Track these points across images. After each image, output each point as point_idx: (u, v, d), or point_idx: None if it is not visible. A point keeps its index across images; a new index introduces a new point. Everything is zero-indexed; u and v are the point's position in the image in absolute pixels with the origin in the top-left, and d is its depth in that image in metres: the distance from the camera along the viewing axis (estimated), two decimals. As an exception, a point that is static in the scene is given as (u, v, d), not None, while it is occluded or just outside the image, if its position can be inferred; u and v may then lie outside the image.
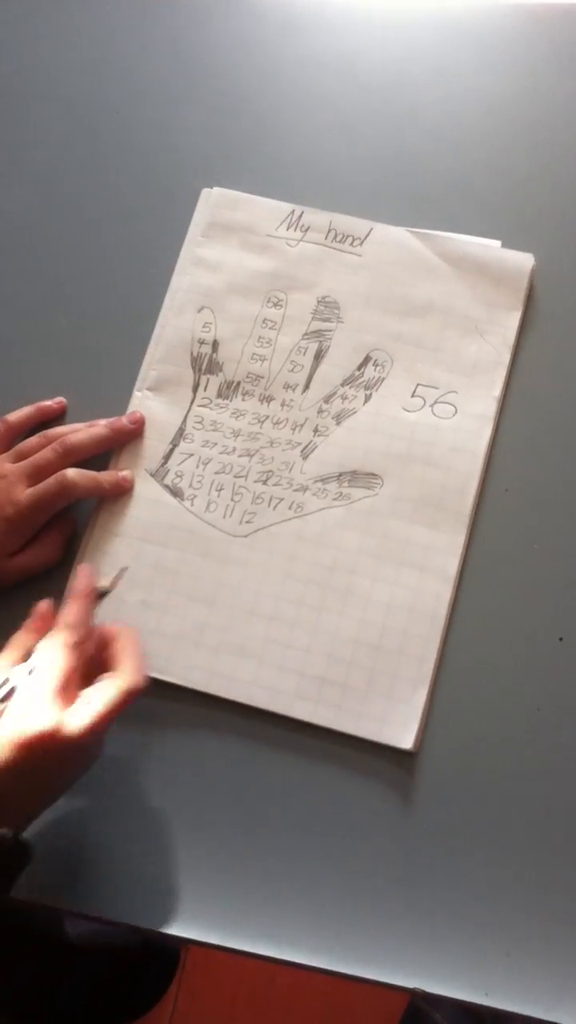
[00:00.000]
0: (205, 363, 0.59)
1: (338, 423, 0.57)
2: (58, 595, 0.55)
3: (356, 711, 0.52)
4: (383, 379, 0.58)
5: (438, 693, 0.52)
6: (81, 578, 0.50)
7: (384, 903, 0.50)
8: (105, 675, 0.45)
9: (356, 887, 0.50)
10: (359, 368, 0.58)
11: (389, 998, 1.06)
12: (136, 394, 0.59)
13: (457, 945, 0.49)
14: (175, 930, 0.49)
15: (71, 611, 0.47)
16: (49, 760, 0.42)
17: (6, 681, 0.44)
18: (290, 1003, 1.12)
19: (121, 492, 0.57)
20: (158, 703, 0.53)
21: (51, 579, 0.56)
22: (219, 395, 0.59)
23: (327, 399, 0.58)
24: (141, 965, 1.01)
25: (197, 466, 0.57)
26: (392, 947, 0.49)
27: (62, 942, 0.92)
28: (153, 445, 0.58)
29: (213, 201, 0.62)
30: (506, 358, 0.57)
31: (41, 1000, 0.95)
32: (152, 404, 0.59)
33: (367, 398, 0.58)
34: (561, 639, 0.53)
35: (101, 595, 0.53)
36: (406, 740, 0.51)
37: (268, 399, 0.58)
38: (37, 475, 0.55)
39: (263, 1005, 1.12)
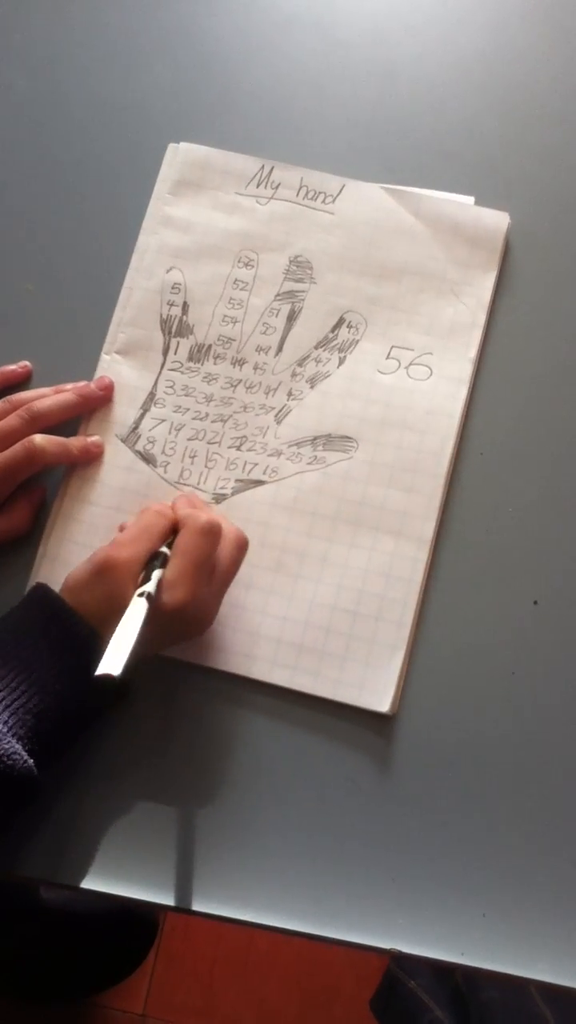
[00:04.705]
0: (175, 326, 0.58)
1: (312, 387, 0.56)
2: (28, 565, 0.54)
3: (334, 677, 0.52)
4: (357, 341, 0.57)
5: (415, 658, 0.52)
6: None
7: (361, 866, 0.50)
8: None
9: (334, 851, 0.50)
10: (333, 330, 0.57)
11: (367, 960, 1.08)
12: (104, 357, 0.57)
13: (434, 907, 0.49)
14: (152, 897, 0.49)
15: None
16: (188, 622, 0.49)
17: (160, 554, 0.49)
18: (268, 967, 1.13)
19: (91, 458, 0.55)
20: (136, 670, 0.52)
21: (21, 549, 0.55)
22: (190, 358, 0.57)
23: (300, 362, 0.57)
24: (119, 930, 1.02)
25: (169, 432, 0.56)
26: (370, 910, 0.49)
27: (38, 908, 0.92)
28: (123, 410, 0.56)
29: (180, 157, 0.60)
30: (481, 319, 0.57)
31: (17, 967, 0.96)
32: (121, 368, 0.57)
33: (341, 361, 0.57)
34: (536, 603, 0.53)
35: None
36: (383, 704, 0.51)
37: (240, 362, 0.57)
38: (2, 442, 0.53)
39: (241, 969, 1.13)
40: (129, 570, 0.47)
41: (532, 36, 0.63)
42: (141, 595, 0.45)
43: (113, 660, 0.42)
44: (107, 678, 0.42)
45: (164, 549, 0.48)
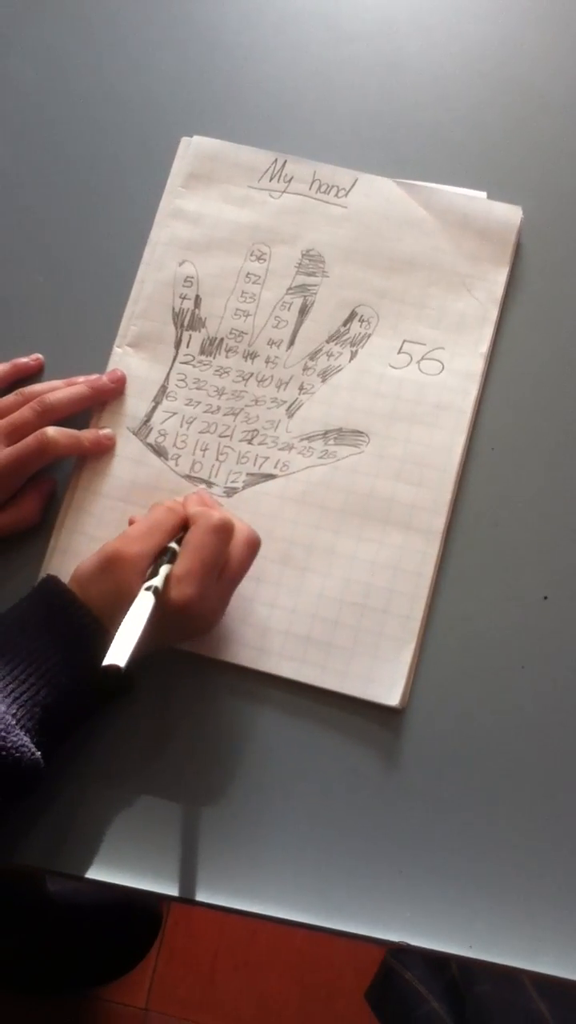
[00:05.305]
0: (187, 319, 0.58)
1: (323, 380, 0.56)
2: (38, 557, 0.54)
3: (342, 670, 0.52)
4: (369, 335, 0.57)
5: (424, 651, 0.52)
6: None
7: (369, 859, 0.50)
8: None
9: (341, 844, 0.50)
10: (344, 324, 0.57)
11: (368, 955, 1.08)
12: (116, 350, 0.58)
13: (440, 900, 0.49)
14: (158, 888, 0.49)
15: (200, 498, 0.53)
16: (193, 619, 0.48)
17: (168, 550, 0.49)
18: (270, 961, 1.13)
19: (102, 451, 0.55)
20: (137, 664, 0.52)
21: (31, 540, 0.55)
22: (202, 352, 0.57)
23: (312, 356, 0.57)
24: (123, 925, 1.02)
25: (181, 425, 0.56)
26: (376, 902, 0.49)
27: (41, 902, 0.93)
28: (134, 403, 0.57)
29: (193, 150, 0.61)
30: (493, 314, 0.57)
31: (21, 961, 0.96)
32: (133, 361, 0.57)
33: (353, 355, 0.57)
34: (546, 597, 0.53)
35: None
36: (392, 697, 0.51)
37: (252, 356, 0.57)
38: (15, 434, 0.54)
39: (243, 963, 1.13)
40: (137, 565, 0.47)
41: (541, 28, 0.63)
42: (148, 589, 0.46)
43: (119, 651, 0.43)
44: (112, 669, 0.42)
45: (173, 545, 0.48)
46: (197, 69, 0.63)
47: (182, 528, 0.49)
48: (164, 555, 0.48)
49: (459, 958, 0.49)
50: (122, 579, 0.47)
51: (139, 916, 1.04)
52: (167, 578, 0.47)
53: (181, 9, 0.65)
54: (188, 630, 0.50)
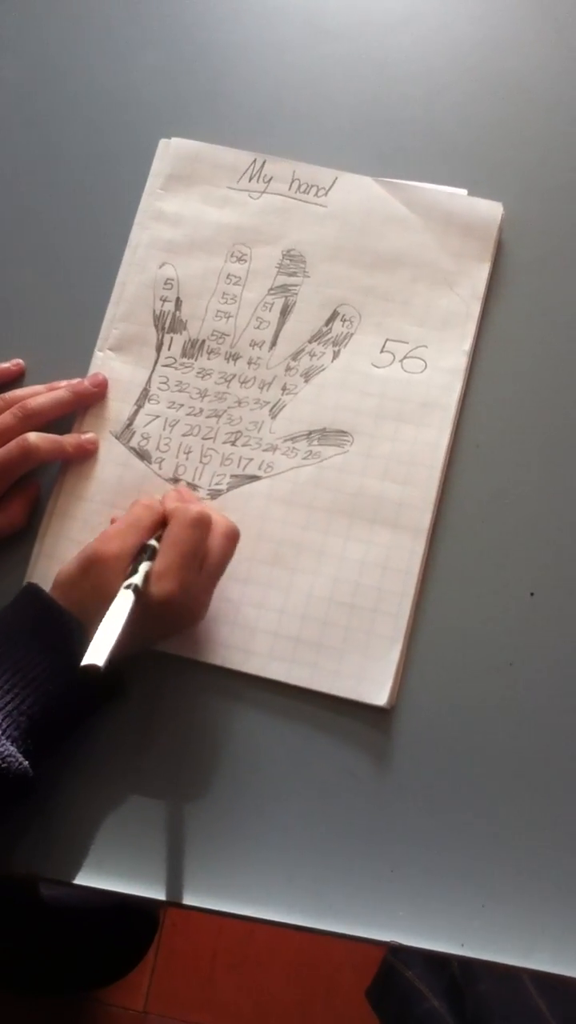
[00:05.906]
0: (168, 321, 0.58)
1: (307, 380, 0.56)
2: (23, 562, 0.54)
3: (331, 670, 0.52)
4: (351, 334, 0.57)
5: (412, 650, 0.52)
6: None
7: (360, 860, 0.50)
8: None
9: (333, 844, 0.50)
10: (327, 324, 0.57)
11: (366, 952, 1.08)
12: (97, 354, 0.57)
13: (433, 899, 0.49)
14: (150, 893, 0.49)
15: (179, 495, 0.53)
16: (178, 614, 0.48)
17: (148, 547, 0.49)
18: (268, 960, 1.14)
19: (85, 455, 0.55)
20: (129, 666, 0.52)
21: (16, 545, 0.54)
22: (184, 354, 0.57)
23: (295, 356, 0.57)
24: (120, 927, 1.02)
25: (164, 428, 0.56)
26: (369, 902, 0.49)
27: (37, 905, 0.92)
28: (117, 407, 0.56)
29: (172, 152, 0.60)
30: (476, 311, 0.57)
31: (18, 964, 0.95)
32: (114, 364, 0.57)
33: (336, 354, 0.56)
34: (532, 594, 0.53)
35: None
36: (381, 697, 0.51)
37: (234, 357, 0.57)
38: (-4, 440, 0.53)
39: (241, 963, 1.14)
40: (117, 563, 0.47)
41: (523, 24, 0.63)
42: (128, 587, 0.46)
43: (97, 651, 0.43)
44: (92, 669, 0.42)
45: (153, 542, 0.48)
46: (177, 69, 0.63)
47: (161, 525, 0.50)
48: (144, 552, 0.48)
49: (459, 956, 0.49)
50: (102, 579, 0.47)
51: (136, 918, 1.03)
52: (148, 575, 0.47)
53: (160, 8, 0.65)
54: (173, 625, 0.50)
